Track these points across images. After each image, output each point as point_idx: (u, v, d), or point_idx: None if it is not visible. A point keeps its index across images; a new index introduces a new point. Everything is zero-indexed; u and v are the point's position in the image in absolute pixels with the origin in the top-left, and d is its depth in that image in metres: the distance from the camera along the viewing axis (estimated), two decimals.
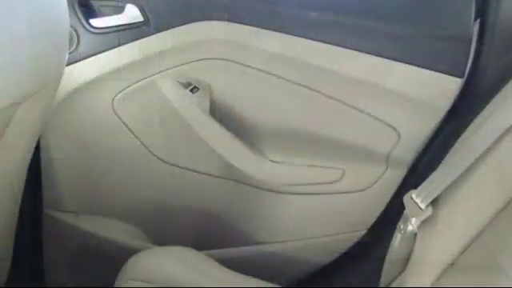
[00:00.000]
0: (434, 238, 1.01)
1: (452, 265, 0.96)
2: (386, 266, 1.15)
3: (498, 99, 0.99)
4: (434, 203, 1.02)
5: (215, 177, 1.22)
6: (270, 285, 1.02)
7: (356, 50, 1.07)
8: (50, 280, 1.37)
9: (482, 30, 1.08)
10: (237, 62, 1.12)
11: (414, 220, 1.04)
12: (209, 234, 1.23)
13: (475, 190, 0.95)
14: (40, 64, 0.88)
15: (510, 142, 0.90)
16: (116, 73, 1.15)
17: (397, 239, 1.10)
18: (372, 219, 1.18)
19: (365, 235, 1.19)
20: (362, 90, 1.09)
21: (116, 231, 1.25)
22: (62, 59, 0.98)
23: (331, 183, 1.17)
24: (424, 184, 1.04)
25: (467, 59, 1.06)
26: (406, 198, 1.07)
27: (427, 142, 1.12)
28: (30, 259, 1.33)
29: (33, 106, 0.93)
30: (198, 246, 1.11)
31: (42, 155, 1.18)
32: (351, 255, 1.20)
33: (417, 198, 1.03)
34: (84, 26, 1.09)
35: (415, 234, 1.05)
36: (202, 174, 1.22)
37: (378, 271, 1.15)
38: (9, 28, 0.74)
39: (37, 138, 1.06)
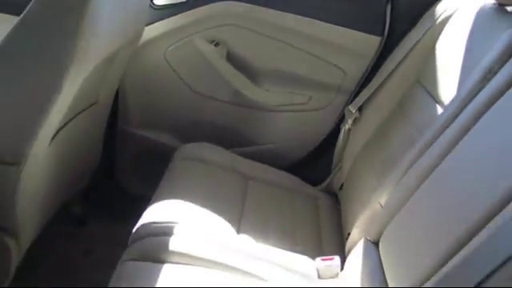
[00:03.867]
0: (357, 130, 1.70)
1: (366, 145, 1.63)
2: (336, 154, 1.82)
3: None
4: (360, 109, 1.70)
5: (229, 102, 1.90)
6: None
7: (313, 18, 1.73)
8: (120, 176, 2.04)
9: None
10: (244, 27, 1.79)
11: (349, 121, 1.72)
12: (224, 138, 1.89)
13: (388, 94, 1.62)
14: (136, 24, 1.56)
15: (417, 53, 1.55)
16: (167, 34, 1.82)
17: (341, 134, 1.78)
18: (328, 127, 1.87)
19: (324, 139, 1.89)
20: (320, 44, 1.76)
21: (166, 137, 1.93)
22: (143, 23, 1.66)
23: (303, 104, 1.85)
24: (356, 99, 1.72)
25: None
26: (346, 109, 1.76)
27: (361, 78, 1.80)
28: (108, 161, 2.00)
29: (125, 52, 1.60)
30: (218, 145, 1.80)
31: (120, 87, 1.84)
32: (318, 149, 1.89)
33: (351, 108, 1.71)
34: (151, 5, 1.76)
35: (349, 130, 1.74)
36: (221, 100, 1.90)
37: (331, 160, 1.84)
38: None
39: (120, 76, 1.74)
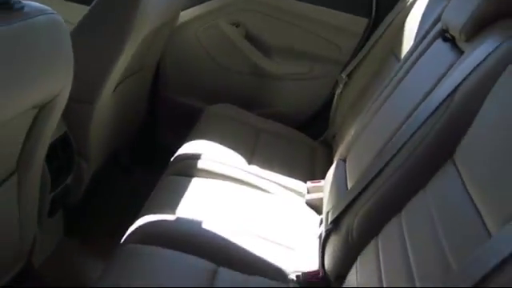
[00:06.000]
0: (346, 93, 2.13)
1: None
2: (331, 114, 2.26)
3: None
4: (349, 76, 2.14)
5: (247, 73, 2.36)
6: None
7: (313, 4, 2.19)
8: (160, 137, 2.51)
9: None
10: (259, 12, 2.25)
11: (341, 85, 2.17)
12: (242, 101, 2.35)
13: (370, 63, 2.05)
14: (175, 7, 2.03)
15: (392, 30, 1.98)
16: (198, 17, 2.30)
17: (335, 97, 2.22)
18: (326, 92, 2.31)
19: (322, 102, 2.33)
20: (319, 25, 2.22)
21: (196, 101, 2.40)
22: (180, 8, 2.13)
23: (306, 74, 2.31)
24: (346, 67, 2.16)
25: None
26: (338, 76, 2.20)
27: (353, 52, 2.24)
28: (149, 120, 2.48)
29: (166, 29, 2.07)
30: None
31: (161, 60, 2.32)
32: (317, 110, 2.34)
33: (343, 75, 2.16)
34: None
35: (341, 93, 2.18)
36: (240, 71, 2.37)
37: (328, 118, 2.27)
38: None
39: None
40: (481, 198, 0.88)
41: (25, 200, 1.34)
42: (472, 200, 0.91)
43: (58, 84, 1.18)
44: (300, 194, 1.75)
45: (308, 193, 1.75)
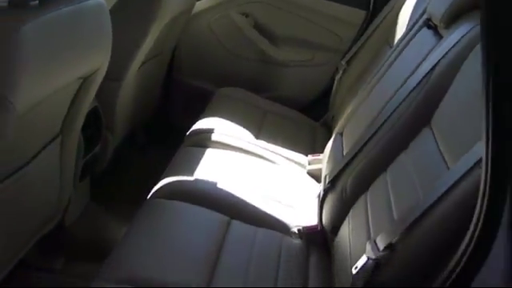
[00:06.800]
0: (345, 78, 2.35)
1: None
2: (331, 97, 2.47)
3: None
4: (348, 63, 2.35)
5: (255, 59, 2.58)
6: None
7: None
8: (175, 118, 2.73)
9: None
10: (267, 3, 2.47)
11: (340, 71, 2.37)
12: (250, 86, 2.56)
13: (367, 51, 2.26)
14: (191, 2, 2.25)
15: (387, 21, 2.20)
16: (211, 8, 2.52)
17: (335, 82, 2.43)
18: (327, 78, 2.53)
19: (323, 87, 2.55)
20: (321, 16, 2.43)
21: (208, 84, 2.61)
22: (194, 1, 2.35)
23: (309, 61, 2.52)
24: (346, 55, 2.37)
25: None
26: (338, 63, 2.41)
27: (353, 42, 2.45)
28: (163, 102, 2.70)
29: (182, 18, 2.29)
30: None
31: (176, 46, 2.54)
32: (319, 94, 2.56)
33: (342, 61, 2.36)
34: None
35: (340, 78, 2.39)
36: (248, 58, 2.58)
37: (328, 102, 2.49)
38: None
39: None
40: (448, 151, 1.10)
41: (65, 161, 1.56)
42: (441, 154, 1.13)
43: (100, 59, 1.40)
44: (302, 165, 1.97)
45: (309, 164, 1.96)
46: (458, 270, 0.73)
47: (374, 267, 0.95)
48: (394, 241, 0.95)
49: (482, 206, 0.71)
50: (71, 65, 1.27)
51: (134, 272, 1.24)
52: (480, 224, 0.71)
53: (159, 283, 1.23)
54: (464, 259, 0.72)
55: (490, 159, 0.71)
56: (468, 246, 0.72)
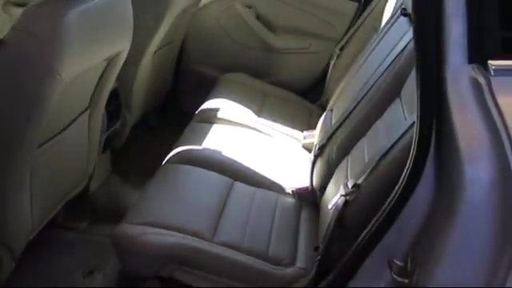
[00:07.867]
0: (338, 64, 2.59)
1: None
2: (326, 82, 2.72)
3: None
4: (341, 49, 2.60)
5: (257, 48, 2.83)
6: None
7: None
8: (184, 102, 2.98)
9: None
10: None
11: (334, 57, 2.62)
12: (253, 71, 2.80)
13: (358, 39, 2.51)
14: None
15: (376, 12, 2.45)
16: (217, 1, 2.76)
17: (329, 68, 2.68)
18: (322, 65, 2.77)
19: (319, 73, 2.79)
20: (318, 8, 2.68)
21: (213, 71, 2.86)
22: None
23: (305, 49, 2.77)
24: (340, 42, 2.62)
25: None
26: (333, 51, 2.66)
27: (346, 31, 2.70)
28: (173, 89, 2.95)
29: (190, 11, 2.54)
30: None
31: (185, 36, 2.79)
32: (315, 79, 2.80)
33: (336, 48, 2.61)
34: None
35: (334, 64, 2.64)
36: (251, 46, 2.83)
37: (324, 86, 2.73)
38: None
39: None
40: (409, 115, 1.35)
41: (92, 132, 1.82)
42: (405, 118, 1.38)
43: (123, 43, 1.65)
44: (297, 139, 2.22)
45: (304, 139, 2.22)
46: (399, 191, 0.99)
47: (344, 203, 1.20)
48: (360, 181, 1.20)
49: (414, 147, 0.98)
50: (102, 46, 1.53)
51: (154, 217, 1.50)
52: (413, 158, 0.97)
53: (176, 227, 1.48)
54: (403, 184, 0.98)
55: (419, 117, 0.97)
56: (405, 175, 0.98)
